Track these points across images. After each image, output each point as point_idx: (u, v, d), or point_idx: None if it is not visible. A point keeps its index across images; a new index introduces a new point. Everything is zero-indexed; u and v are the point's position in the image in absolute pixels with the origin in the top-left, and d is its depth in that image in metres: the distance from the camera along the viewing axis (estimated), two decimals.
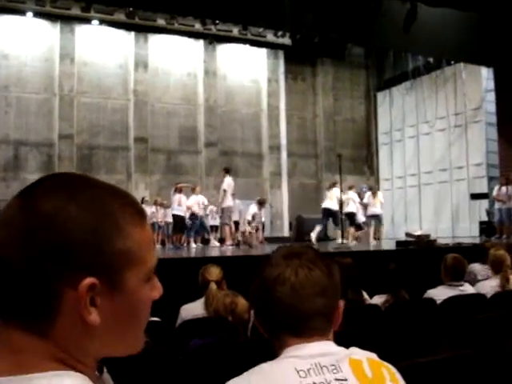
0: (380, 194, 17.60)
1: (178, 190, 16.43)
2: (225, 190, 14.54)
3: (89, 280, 0.84)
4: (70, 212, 0.85)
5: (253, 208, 15.78)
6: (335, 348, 1.48)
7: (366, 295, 5.28)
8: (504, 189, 15.60)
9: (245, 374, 1.44)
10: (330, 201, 15.81)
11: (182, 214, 16.40)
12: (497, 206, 15.97)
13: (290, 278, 1.48)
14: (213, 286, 4.44)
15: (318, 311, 1.48)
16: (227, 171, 14.97)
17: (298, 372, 1.38)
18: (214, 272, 4.61)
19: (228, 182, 14.67)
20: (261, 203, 15.97)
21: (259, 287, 1.55)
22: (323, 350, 1.45)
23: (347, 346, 1.49)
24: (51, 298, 0.84)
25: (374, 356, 1.49)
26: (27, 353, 0.85)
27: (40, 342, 0.86)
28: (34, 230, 0.84)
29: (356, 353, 1.47)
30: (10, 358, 0.85)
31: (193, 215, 15.75)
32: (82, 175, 0.95)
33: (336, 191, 15.73)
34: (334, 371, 1.39)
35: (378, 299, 5.08)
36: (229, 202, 14.56)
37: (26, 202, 0.88)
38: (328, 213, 15.80)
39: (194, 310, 4.49)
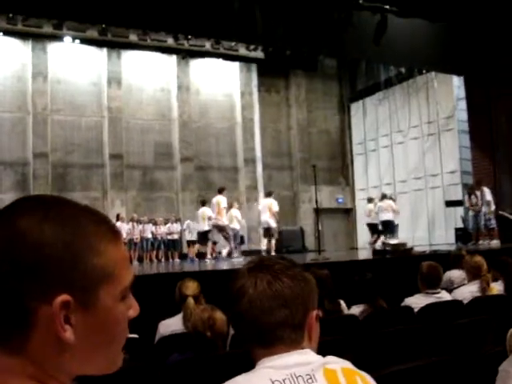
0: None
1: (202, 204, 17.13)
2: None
3: (62, 297, 0.85)
4: (44, 230, 0.86)
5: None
6: (311, 357, 1.48)
7: (343, 305, 5.30)
8: (473, 197, 15.85)
9: None
10: (388, 212, 17.09)
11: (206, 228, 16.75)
12: (470, 213, 16.20)
13: (249, 291, 1.50)
14: (190, 300, 4.41)
15: (281, 323, 1.48)
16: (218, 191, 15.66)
17: (273, 382, 1.38)
18: (191, 287, 4.59)
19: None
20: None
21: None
22: (299, 359, 1.45)
23: (325, 356, 1.50)
24: (25, 315, 0.85)
25: (348, 365, 1.50)
26: (2, 371, 0.85)
27: (14, 359, 0.86)
28: (8, 247, 0.85)
29: (331, 362, 1.47)
30: None
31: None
32: (58, 196, 0.97)
33: (391, 203, 17.21)
34: (309, 381, 1.40)
35: (355, 309, 5.09)
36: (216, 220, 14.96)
37: (2, 220, 0.89)
38: (387, 224, 17.04)
39: (172, 325, 4.46)
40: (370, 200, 19.16)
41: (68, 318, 0.86)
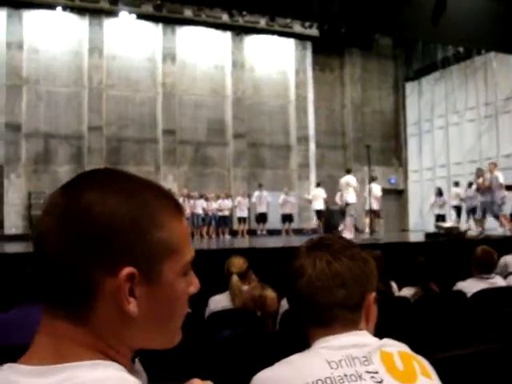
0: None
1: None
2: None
3: (128, 269, 0.86)
4: (109, 203, 0.88)
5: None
6: (368, 339, 1.47)
7: (395, 287, 5.26)
8: (481, 179, 15.14)
9: (275, 365, 1.44)
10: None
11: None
12: (480, 198, 15.47)
13: (308, 270, 1.49)
14: (234, 278, 4.43)
15: (338, 303, 1.47)
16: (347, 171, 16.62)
17: (329, 363, 1.37)
18: (237, 263, 4.60)
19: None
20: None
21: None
22: (355, 340, 1.44)
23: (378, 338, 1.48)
24: (91, 287, 0.86)
25: (405, 348, 1.47)
26: (68, 341, 0.87)
27: (80, 330, 0.88)
28: (74, 219, 0.87)
29: (388, 344, 1.45)
30: (52, 346, 0.87)
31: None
32: (122, 171, 0.98)
33: None
34: (366, 363, 1.38)
35: (407, 291, 5.05)
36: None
37: (68, 193, 0.91)
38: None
39: (221, 301, 4.50)
40: (456, 184, 19.20)
41: (132, 291, 0.87)
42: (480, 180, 15.11)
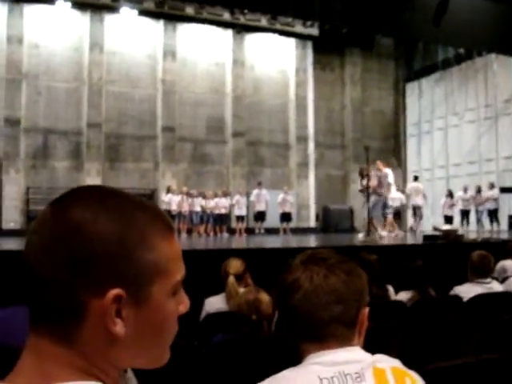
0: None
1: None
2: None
3: (115, 291, 0.84)
4: (98, 222, 0.86)
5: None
6: (360, 355, 1.45)
7: (391, 290, 5.24)
8: (364, 179, 13.84)
9: (266, 381, 1.42)
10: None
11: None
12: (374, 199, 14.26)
13: (304, 285, 1.46)
14: (231, 279, 4.42)
15: (335, 318, 1.45)
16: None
17: (321, 380, 1.36)
18: (235, 265, 4.58)
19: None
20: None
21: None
22: (348, 357, 1.42)
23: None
24: (77, 307, 0.85)
25: (398, 364, 1.46)
26: (52, 361, 0.86)
27: (65, 350, 0.86)
28: (62, 239, 0.85)
29: (380, 360, 1.44)
30: (36, 366, 0.86)
31: None
32: (113, 188, 0.96)
33: None
34: (358, 380, 1.37)
35: (403, 295, 5.03)
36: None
37: (57, 210, 0.89)
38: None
39: (217, 303, 4.48)
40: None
41: (119, 312, 0.86)
42: (364, 181, 13.90)
